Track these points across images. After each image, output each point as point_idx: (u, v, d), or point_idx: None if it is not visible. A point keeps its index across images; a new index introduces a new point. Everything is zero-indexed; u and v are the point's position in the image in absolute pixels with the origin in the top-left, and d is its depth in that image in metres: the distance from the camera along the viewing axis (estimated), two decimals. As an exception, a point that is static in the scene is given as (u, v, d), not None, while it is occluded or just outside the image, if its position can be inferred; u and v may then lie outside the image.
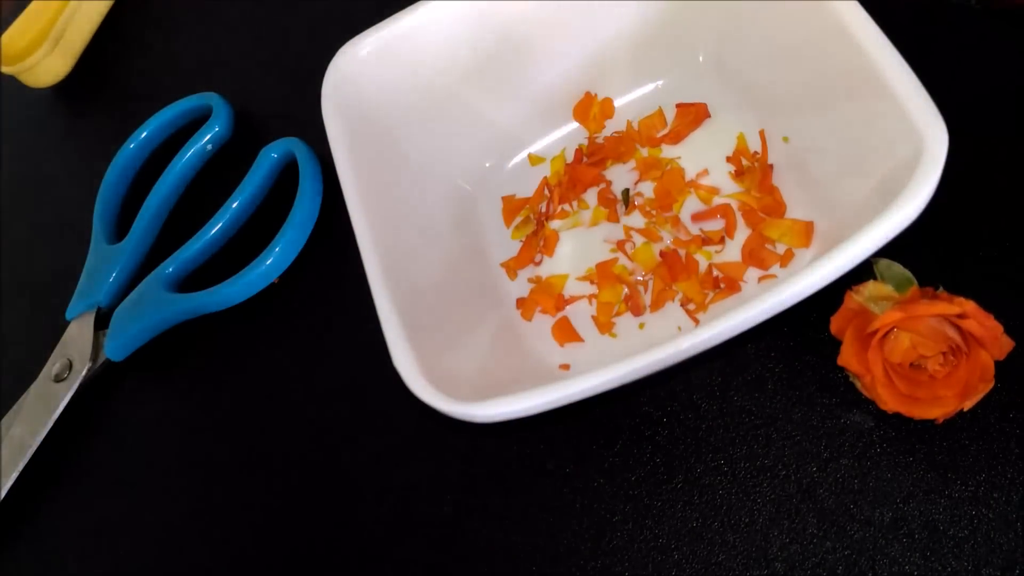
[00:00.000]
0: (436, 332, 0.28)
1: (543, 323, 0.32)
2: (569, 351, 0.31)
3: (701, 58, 0.34)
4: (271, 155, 0.39)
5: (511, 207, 0.35)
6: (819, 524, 0.27)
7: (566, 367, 0.30)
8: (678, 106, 0.34)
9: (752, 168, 0.32)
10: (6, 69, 0.48)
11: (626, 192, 0.33)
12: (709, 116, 0.33)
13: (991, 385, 0.26)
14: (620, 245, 0.32)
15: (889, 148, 0.25)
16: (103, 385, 0.38)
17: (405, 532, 0.31)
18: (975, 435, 0.27)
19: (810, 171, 0.30)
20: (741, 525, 0.28)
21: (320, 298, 0.37)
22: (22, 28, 0.49)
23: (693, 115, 0.33)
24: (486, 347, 0.30)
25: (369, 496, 0.32)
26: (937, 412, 0.26)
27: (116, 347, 0.38)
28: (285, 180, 0.39)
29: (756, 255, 0.30)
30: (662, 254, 0.31)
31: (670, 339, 0.24)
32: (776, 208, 0.31)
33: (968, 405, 0.26)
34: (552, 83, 0.35)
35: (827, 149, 0.29)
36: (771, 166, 0.31)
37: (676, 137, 0.33)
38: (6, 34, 0.49)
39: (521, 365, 0.30)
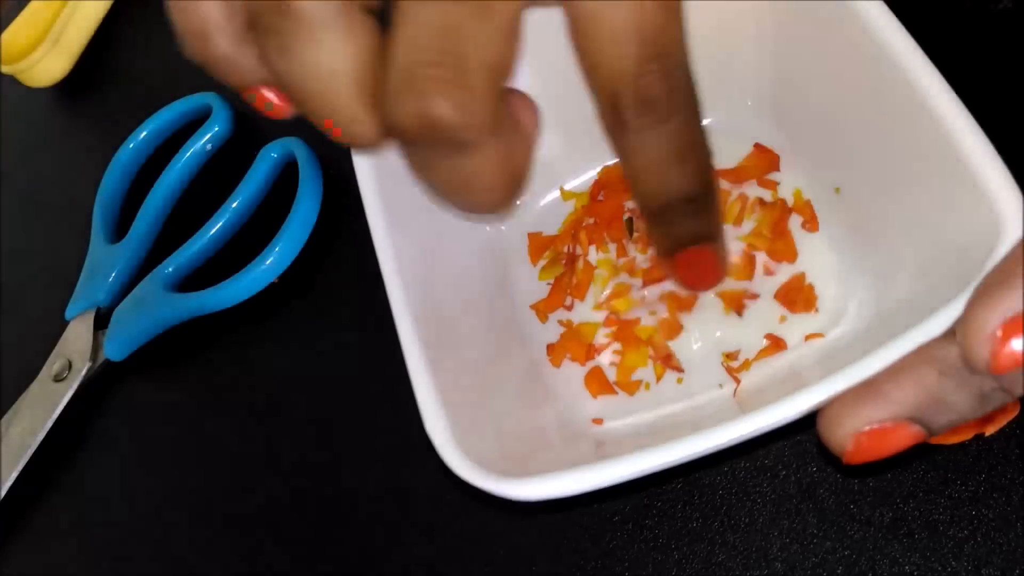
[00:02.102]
0: (464, 381, 0.27)
1: (574, 370, 0.31)
2: (602, 402, 0.30)
3: (750, 102, 0.32)
4: (271, 155, 0.39)
5: (537, 245, 0.33)
6: (819, 524, 0.27)
7: (599, 422, 0.29)
8: (756, 147, 0.32)
9: (771, 206, 0.30)
10: (5, 69, 0.48)
11: (629, 221, 0.32)
12: (778, 169, 0.31)
13: (1016, 410, 0.26)
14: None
15: (958, 220, 0.23)
16: (103, 385, 0.38)
17: (400, 527, 0.31)
18: (975, 435, 0.27)
19: (863, 227, 0.29)
20: (741, 525, 0.28)
21: (320, 298, 0.37)
22: (21, 27, 0.49)
23: (767, 163, 0.31)
24: (514, 395, 0.29)
25: (367, 495, 0.32)
26: (954, 439, 0.26)
27: (116, 347, 0.38)
28: (285, 180, 0.39)
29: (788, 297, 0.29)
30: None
31: (715, 404, 0.24)
32: (786, 253, 0.30)
33: (990, 430, 0.26)
34: (589, 115, 0.33)
35: (886, 208, 0.27)
36: (789, 210, 0.30)
37: (739, 176, 0.31)
38: (5, 33, 0.48)
39: (551, 419, 0.29)
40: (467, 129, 0.17)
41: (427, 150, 0.18)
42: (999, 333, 0.18)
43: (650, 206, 0.21)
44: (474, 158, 0.18)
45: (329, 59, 0.17)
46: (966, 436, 0.26)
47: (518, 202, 0.20)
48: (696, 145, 0.20)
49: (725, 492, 0.28)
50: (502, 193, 0.19)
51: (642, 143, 0.19)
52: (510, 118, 0.19)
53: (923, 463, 0.27)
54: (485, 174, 0.18)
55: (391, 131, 0.18)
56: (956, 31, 0.32)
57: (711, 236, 0.22)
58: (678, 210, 0.21)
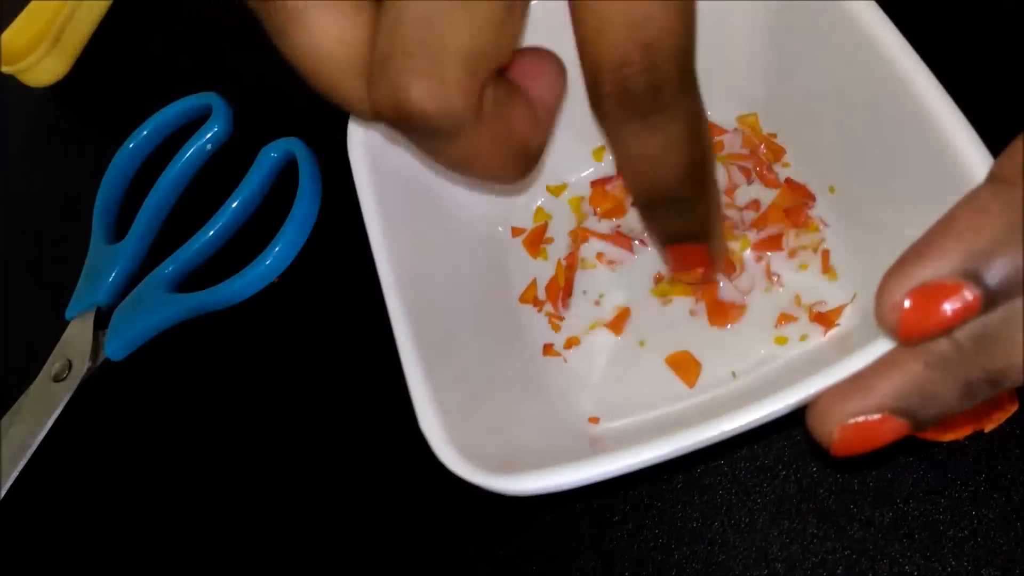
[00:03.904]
0: (460, 380, 0.27)
1: (571, 369, 0.31)
2: (598, 401, 0.30)
3: (744, 104, 0.32)
4: (271, 155, 0.39)
5: (530, 240, 0.33)
6: (819, 524, 0.27)
7: (595, 421, 0.29)
8: (787, 182, 0.31)
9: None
10: (5, 68, 0.48)
11: None
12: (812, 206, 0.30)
13: (1015, 407, 0.25)
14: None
15: (943, 201, 0.24)
16: (103, 385, 0.38)
17: (400, 528, 0.31)
18: (975, 435, 0.27)
19: (858, 225, 0.29)
20: (741, 525, 0.28)
21: (320, 298, 0.37)
22: (21, 27, 0.49)
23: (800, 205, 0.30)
24: (510, 393, 0.29)
25: (366, 495, 0.32)
26: (950, 436, 0.26)
27: (116, 347, 0.38)
28: (285, 180, 0.39)
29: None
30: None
31: (710, 403, 0.24)
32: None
33: (989, 427, 0.26)
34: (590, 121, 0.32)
35: (880, 206, 0.27)
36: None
37: (763, 221, 0.30)
38: (5, 33, 0.48)
39: (547, 417, 0.29)
40: (440, 119, 0.17)
41: (414, 135, 0.18)
42: (907, 302, 0.18)
43: (634, 198, 0.20)
44: (460, 141, 0.18)
45: (319, 41, 0.17)
46: (964, 433, 0.26)
47: (536, 167, 0.19)
48: (681, 147, 0.19)
49: (725, 492, 0.28)
50: (505, 166, 0.19)
51: (621, 136, 0.19)
52: (506, 94, 0.18)
53: (923, 463, 0.27)
54: (478, 154, 0.18)
55: (376, 115, 0.18)
56: (961, 31, 0.32)
57: (699, 236, 0.21)
58: (663, 207, 0.20)
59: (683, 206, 0.20)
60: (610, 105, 0.18)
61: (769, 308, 0.29)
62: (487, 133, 0.18)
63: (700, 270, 0.23)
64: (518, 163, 0.19)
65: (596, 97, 0.18)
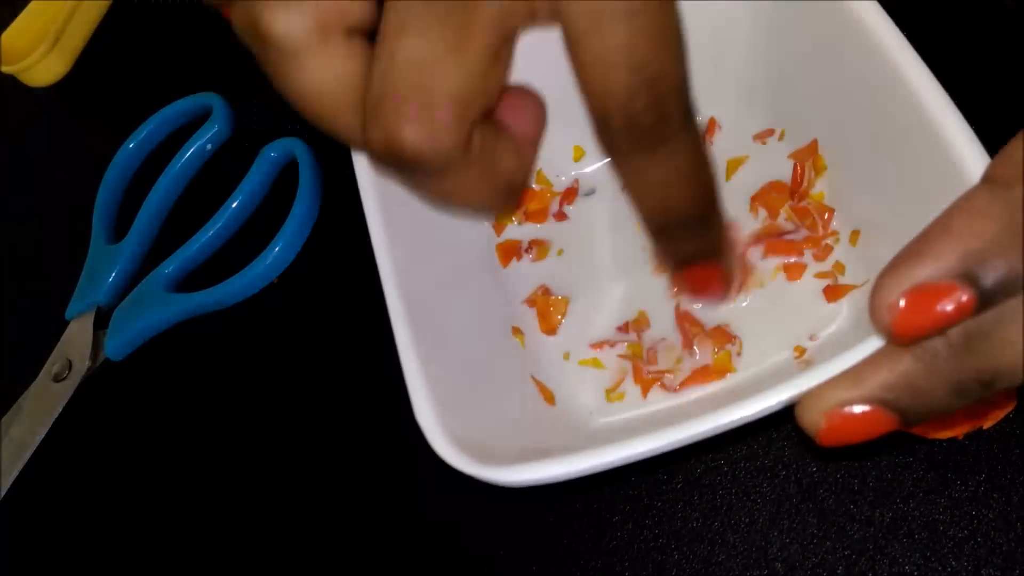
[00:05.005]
0: (458, 377, 0.27)
1: (568, 366, 0.31)
2: (596, 397, 0.30)
3: (742, 101, 0.32)
4: (271, 155, 0.39)
5: (506, 249, 0.33)
6: (819, 524, 0.27)
7: (593, 413, 0.29)
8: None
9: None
10: (5, 68, 0.48)
11: None
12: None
13: (1012, 405, 0.26)
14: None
15: (939, 200, 0.24)
16: (103, 385, 0.38)
17: (400, 528, 0.31)
18: (975, 435, 0.27)
19: (857, 220, 0.29)
20: (741, 525, 0.28)
21: (319, 298, 0.37)
22: (21, 27, 0.49)
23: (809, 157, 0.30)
24: (508, 389, 0.29)
25: (366, 494, 0.32)
26: (948, 433, 0.26)
27: (116, 347, 0.38)
28: (285, 180, 0.39)
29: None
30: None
31: (708, 400, 0.23)
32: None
33: (988, 424, 0.26)
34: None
35: (878, 202, 0.28)
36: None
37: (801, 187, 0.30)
38: (5, 33, 0.49)
39: (544, 412, 0.29)
40: (431, 159, 0.18)
41: (403, 173, 0.19)
42: (902, 302, 0.18)
43: (647, 225, 0.21)
44: (448, 179, 0.19)
45: (316, 84, 0.18)
46: (962, 431, 0.26)
47: (518, 199, 0.20)
48: (690, 171, 0.19)
49: (725, 492, 0.28)
50: (490, 201, 0.20)
51: (632, 167, 0.19)
52: (492, 135, 0.19)
53: (923, 463, 0.27)
54: (463, 191, 0.19)
55: (369, 152, 0.19)
56: (961, 30, 0.32)
57: (711, 255, 0.22)
58: (674, 231, 0.21)
59: (694, 228, 0.21)
60: (620, 140, 0.19)
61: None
62: (474, 171, 0.19)
63: (715, 291, 0.23)
64: (502, 197, 0.20)
65: (606, 134, 0.19)
